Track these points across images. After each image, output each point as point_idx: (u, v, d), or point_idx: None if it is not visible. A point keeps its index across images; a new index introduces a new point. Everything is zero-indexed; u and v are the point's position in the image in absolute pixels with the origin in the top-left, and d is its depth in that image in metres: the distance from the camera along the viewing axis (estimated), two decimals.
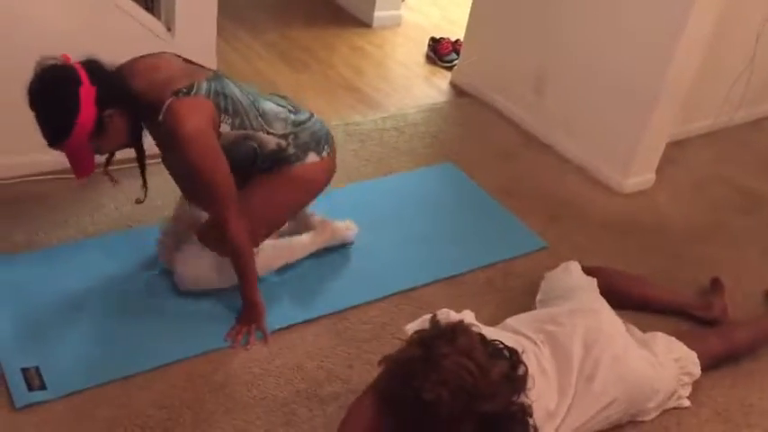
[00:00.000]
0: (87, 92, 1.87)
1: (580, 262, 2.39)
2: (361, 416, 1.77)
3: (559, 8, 3.23)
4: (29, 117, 2.57)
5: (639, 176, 3.15)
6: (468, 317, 1.81)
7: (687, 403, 2.12)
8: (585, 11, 3.13)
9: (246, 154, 2.13)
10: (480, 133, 3.45)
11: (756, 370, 2.29)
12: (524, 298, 2.38)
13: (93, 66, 1.94)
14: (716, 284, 2.54)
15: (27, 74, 2.46)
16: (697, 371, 2.11)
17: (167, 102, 1.94)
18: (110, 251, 2.38)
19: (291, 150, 2.21)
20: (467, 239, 2.71)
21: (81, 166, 1.98)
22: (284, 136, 2.19)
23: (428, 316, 1.78)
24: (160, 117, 1.94)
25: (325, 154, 2.28)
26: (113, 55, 2.60)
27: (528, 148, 3.36)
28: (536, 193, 3.06)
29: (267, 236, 2.27)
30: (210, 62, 2.83)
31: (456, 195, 2.98)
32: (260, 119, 2.12)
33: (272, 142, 2.16)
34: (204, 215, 2.22)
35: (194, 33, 2.73)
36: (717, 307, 2.45)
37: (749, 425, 2.11)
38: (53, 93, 1.90)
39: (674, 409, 2.11)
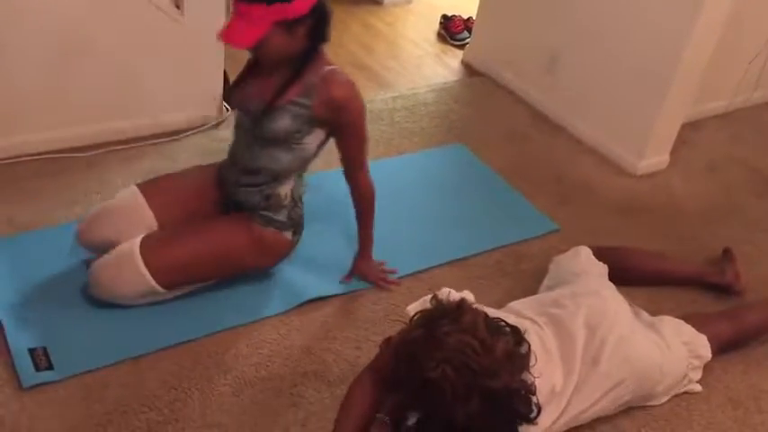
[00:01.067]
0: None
1: (592, 244, 2.38)
2: (362, 395, 1.78)
3: None
4: (41, 94, 2.59)
5: (653, 158, 3.11)
6: (468, 297, 1.80)
7: (698, 388, 2.10)
8: None
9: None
10: (492, 113, 3.41)
11: (765, 352, 2.27)
12: (534, 281, 2.36)
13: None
14: (727, 253, 2.56)
15: (37, 52, 2.47)
16: (707, 354, 2.10)
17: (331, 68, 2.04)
18: None
19: (282, 213, 2.16)
20: (477, 221, 2.69)
21: (247, 35, 1.89)
22: (293, 198, 2.18)
23: (429, 296, 1.77)
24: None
25: (296, 239, 2.23)
26: (122, 35, 2.60)
27: (540, 129, 3.32)
28: (548, 175, 3.02)
29: (184, 283, 2.12)
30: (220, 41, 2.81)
31: (466, 177, 2.95)
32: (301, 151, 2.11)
33: (287, 188, 2.15)
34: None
35: (204, 12, 2.71)
36: (730, 273, 2.47)
37: (761, 410, 2.10)
38: None
39: (685, 393, 2.09)
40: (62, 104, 2.63)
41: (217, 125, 2.93)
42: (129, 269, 2.03)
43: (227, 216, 2.20)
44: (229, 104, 2.10)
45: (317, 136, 2.09)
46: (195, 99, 2.90)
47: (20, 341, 1.94)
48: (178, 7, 2.67)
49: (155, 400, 1.89)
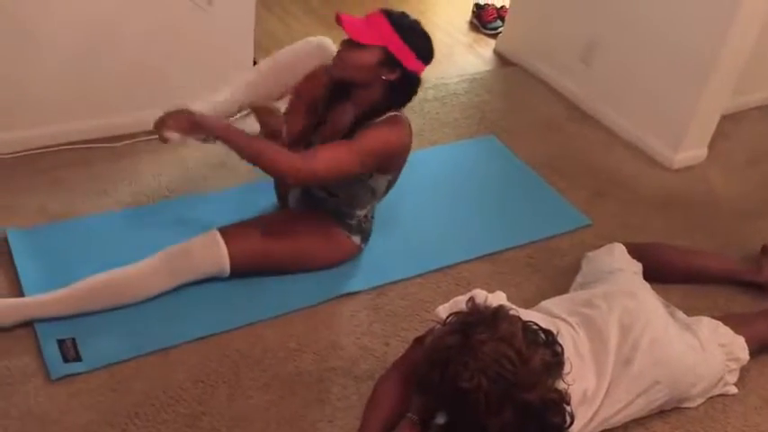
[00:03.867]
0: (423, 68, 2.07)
1: (626, 240, 2.32)
2: (389, 392, 1.76)
3: None
4: (72, 85, 2.59)
5: (691, 151, 3.03)
6: (500, 298, 1.76)
7: (734, 390, 2.05)
8: None
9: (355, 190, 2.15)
10: (525, 104, 3.35)
11: None
12: (566, 278, 2.31)
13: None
14: (765, 250, 2.50)
15: (65, 42, 2.48)
16: (745, 356, 2.04)
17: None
18: (147, 221, 2.37)
19: (362, 223, 2.24)
20: (508, 215, 2.64)
21: (362, 33, 1.98)
22: (366, 214, 2.25)
23: (460, 298, 1.74)
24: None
25: (363, 246, 2.30)
26: (151, 24, 2.59)
27: (574, 121, 3.26)
28: (581, 168, 2.96)
29: (251, 272, 2.16)
30: (249, 30, 2.79)
31: (498, 170, 2.90)
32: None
33: (364, 211, 2.22)
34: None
35: (233, 1, 2.68)
36: (767, 270, 2.41)
37: None
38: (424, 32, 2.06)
39: (720, 395, 2.04)
40: (91, 95, 2.63)
41: (248, 114, 2.91)
42: (208, 250, 2.07)
43: (308, 214, 2.25)
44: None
45: (383, 178, 2.12)
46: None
47: (48, 332, 1.95)
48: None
49: (182, 393, 1.89)
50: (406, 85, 2.05)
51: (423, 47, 2.03)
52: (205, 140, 2.09)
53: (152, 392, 1.88)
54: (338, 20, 1.96)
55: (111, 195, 2.47)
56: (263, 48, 3.13)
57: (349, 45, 2.00)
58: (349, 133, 2.05)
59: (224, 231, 2.11)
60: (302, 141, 2.22)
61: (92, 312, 2.01)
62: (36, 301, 1.97)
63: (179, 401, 1.87)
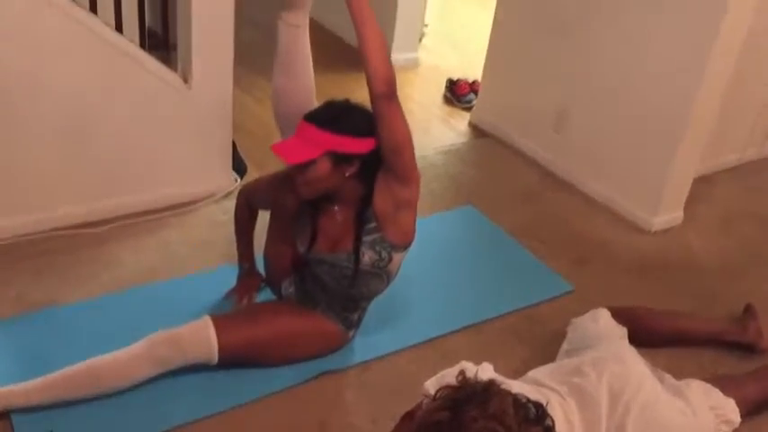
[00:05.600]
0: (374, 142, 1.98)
1: (610, 305, 2.33)
2: None
3: (577, 45, 3.20)
4: (56, 172, 2.60)
5: (668, 214, 3.08)
6: (487, 370, 1.74)
7: None
8: (605, 47, 3.09)
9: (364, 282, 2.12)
10: (501, 174, 3.40)
11: None
12: (552, 346, 2.30)
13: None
14: (749, 309, 2.51)
15: (47, 131, 2.50)
16: (736, 418, 2.02)
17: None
18: (130, 307, 2.34)
19: (360, 317, 2.24)
20: (491, 284, 2.65)
21: (296, 153, 1.94)
22: (361, 310, 2.24)
23: (448, 371, 1.71)
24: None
25: (352, 336, 2.27)
26: (132, 109, 2.63)
27: (551, 188, 3.30)
28: (560, 234, 2.99)
29: (240, 362, 2.11)
30: (227, 111, 2.84)
31: (478, 239, 2.92)
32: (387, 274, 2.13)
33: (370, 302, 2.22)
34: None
35: (211, 84, 2.74)
36: (752, 329, 2.42)
37: None
38: (371, 115, 1.96)
39: None
40: (75, 180, 2.64)
41: (226, 195, 2.94)
42: (198, 340, 2.03)
43: (300, 307, 2.22)
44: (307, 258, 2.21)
45: (399, 256, 2.10)
46: (205, 171, 2.91)
47: (26, 425, 1.89)
48: (186, 81, 2.70)
49: None
50: (374, 162, 2.01)
51: (360, 126, 1.96)
52: None
53: None
54: (273, 151, 1.96)
55: (93, 281, 2.44)
56: (242, 129, 3.18)
57: (297, 168, 1.97)
58: (359, 225, 2.04)
59: (215, 320, 2.07)
60: (291, 269, 2.22)
61: (73, 402, 1.95)
62: (13, 391, 1.91)
63: None
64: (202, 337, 2.03)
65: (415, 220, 2.10)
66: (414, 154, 2.00)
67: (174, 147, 2.79)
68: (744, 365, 2.33)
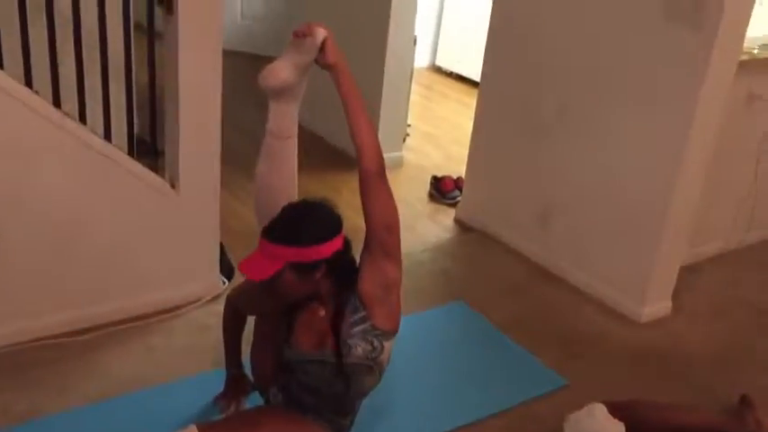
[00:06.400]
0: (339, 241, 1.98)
1: (604, 398, 2.29)
2: None
3: (557, 144, 3.29)
4: (41, 281, 2.58)
5: (656, 304, 3.08)
6: None
7: None
8: (584, 145, 3.18)
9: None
10: (489, 268, 3.41)
11: None
12: None
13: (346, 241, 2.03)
14: (744, 400, 2.48)
15: (34, 239, 2.51)
16: None
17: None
18: (115, 416, 2.28)
19: (345, 420, 2.18)
20: (483, 382, 2.61)
21: (260, 269, 1.92)
22: (352, 413, 2.19)
23: None
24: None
25: None
26: (118, 216, 2.65)
27: (539, 282, 3.31)
28: (551, 328, 2.98)
29: None
30: (215, 215, 2.87)
31: (469, 335, 2.90)
32: (379, 366, 2.08)
33: (354, 406, 2.17)
34: None
35: (199, 189, 2.78)
36: (751, 421, 2.39)
37: None
38: (329, 215, 2.00)
39: None
40: (59, 288, 2.62)
41: (214, 299, 2.92)
42: None
43: (287, 411, 2.15)
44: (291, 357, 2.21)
45: (389, 344, 2.06)
46: (192, 274, 2.91)
47: None
48: (173, 186, 2.74)
49: None
50: (341, 263, 1.99)
51: (318, 232, 1.94)
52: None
53: None
54: (239, 269, 1.98)
55: (78, 391, 2.39)
56: (230, 230, 3.20)
57: (266, 281, 1.96)
58: (337, 315, 2.02)
59: (201, 428, 1.99)
60: (275, 375, 2.20)
61: None
62: None
63: None
64: None
65: (400, 302, 2.09)
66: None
67: (161, 251, 2.80)
68: None
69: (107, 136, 2.71)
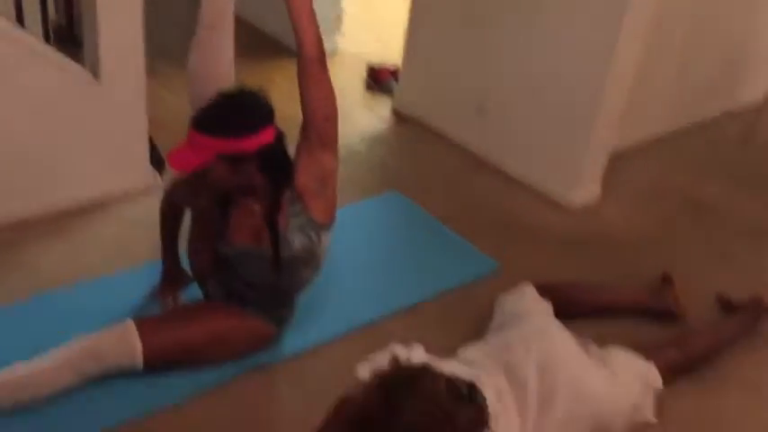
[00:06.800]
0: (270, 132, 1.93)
1: (535, 281, 2.37)
2: None
3: (494, 35, 3.24)
4: None
5: (586, 191, 3.16)
6: (419, 352, 1.75)
7: (653, 419, 2.09)
8: (520, 30, 3.14)
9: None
10: (425, 159, 3.42)
11: (715, 377, 2.29)
12: (481, 324, 2.33)
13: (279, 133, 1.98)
14: (665, 279, 2.60)
15: None
16: (658, 383, 2.10)
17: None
18: (45, 313, 2.25)
19: (292, 314, 2.19)
20: (420, 268, 2.66)
21: (186, 161, 1.87)
22: (292, 305, 2.19)
23: (379, 356, 1.71)
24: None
25: (282, 331, 2.22)
26: (36, 106, 2.52)
27: (474, 171, 3.34)
28: (485, 216, 3.03)
29: (164, 366, 2.04)
30: (141, 105, 2.75)
31: (404, 223, 2.93)
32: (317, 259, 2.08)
33: (293, 298, 2.17)
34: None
35: (122, 78, 2.65)
36: (669, 298, 2.51)
37: None
38: (259, 105, 1.95)
39: (641, 425, 2.07)
40: None
41: (145, 192, 2.85)
42: (119, 345, 1.95)
43: (226, 305, 2.15)
44: (225, 251, 2.12)
45: (327, 236, 2.05)
46: (121, 167, 2.82)
47: None
48: (95, 76, 2.60)
49: None
50: (274, 156, 1.96)
51: (249, 123, 1.90)
52: None
53: None
54: (167, 160, 1.92)
55: (6, 287, 2.33)
56: (160, 122, 3.09)
57: (198, 173, 1.92)
58: (273, 209, 1.99)
59: (139, 324, 2.00)
60: (213, 268, 2.16)
61: None
62: None
63: None
64: (125, 343, 1.96)
65: (336, 194, 2.08)
66: None
67: (87, 144, 2.69)
68: (664, 332, 2.42)
69: (19, 20, 2.53)
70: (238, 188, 1.99)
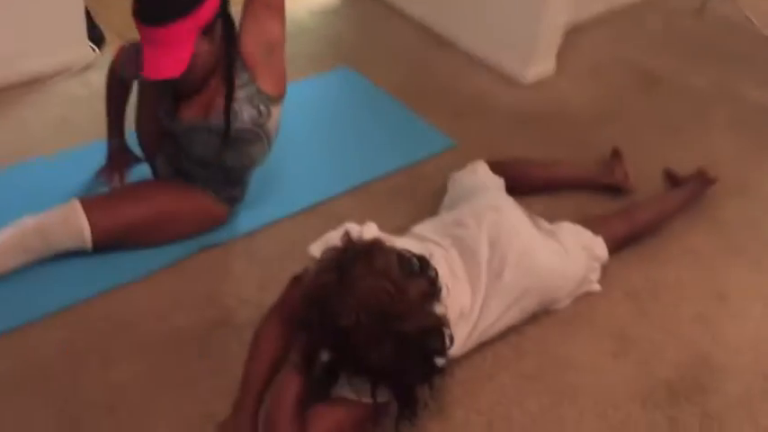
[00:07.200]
0: None
1: (488, 157, 2.37)
2: (270, 337, 1.74)
3: None
4: None
5: (540, 65, 3.12)
6: (371, 229, 1.76)
7: (598, 287, 2.17)
8: None
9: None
10: (378, 34, 3.31)
11: (658, 247, 2.35)
12: (435, 201, 2.34)
13: None
14: (615, 153, 2.61)
15: None
16: (604, 254, 2.16)
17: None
18: None
19: (243, 192, 2.12)
20: (373, 145, 2.63)
21: (176, 60, 1.72)
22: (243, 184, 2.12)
23: (332, 234, 1.71)
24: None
25: (234, 210, 2.17)
26: None
27: (428, 46, 3.26)
28: (439, 92, 2.98)
29: (114, 244, 2.01)
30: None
31: (357, 100, 2.87)
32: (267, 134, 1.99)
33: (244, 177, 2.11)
34: None
35: None
36: (619, 172, 2.53)
37: (656, 299, 2.19)
38: None
39: (586, 294, 2.15)
40: None
41: (84, 69, 2.72)
42: (66, 224, 1.91)
43: (176, 183, 2.12)
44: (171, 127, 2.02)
45: (277, 110, 1.97)
46: (58, 43, 2.67)
47: None
48: None
49: (50, 370, 1.78)
50: (226, 17, 1.87)
51: None
52: None
53: (15, 372, 1.76)
54: (149, 78, 1.77)
55: None
56: None
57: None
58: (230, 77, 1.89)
59: (85, 203, 1.96)
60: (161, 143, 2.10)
61: None
62: None
63: (48, 379, 1.76)
64: (71, 223, 1.93)
65: (285, 65, 2.00)
66: None
67: (19, 18, 2.52)
68: (613, 205, 2.46)
69: None
70: (222, 61, 1.88)
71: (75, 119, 2.50)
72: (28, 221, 1.92)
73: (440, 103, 2.90)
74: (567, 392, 1.89)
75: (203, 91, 1.94)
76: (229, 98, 1.90)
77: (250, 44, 1.90)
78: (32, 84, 2.61)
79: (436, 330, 1.58)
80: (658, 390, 1.92)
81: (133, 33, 1.81)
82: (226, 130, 1.93)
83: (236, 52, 1.90)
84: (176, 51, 1.73)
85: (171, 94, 1.98)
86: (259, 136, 2.00)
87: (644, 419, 1.85)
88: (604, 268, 2.19)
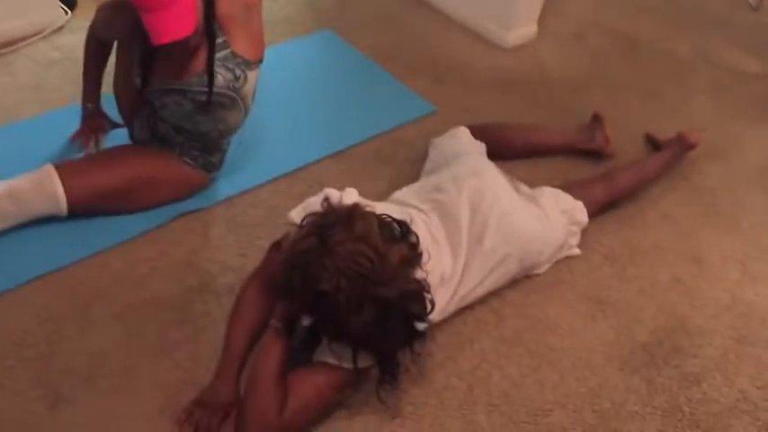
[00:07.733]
0: None
1: (469, 123, 2.36)
2: (251, 302, 1.73)
3: None
4: None
5: (521, 29, 3.09)
6: (352, 195, 1.75)
7: (577, 251, 2.18)
8: None
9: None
10: None
11: (637, 211, 2.37)
12: (415, 167, 2.33)
13: None
14: (596, 118, 2.61)
15: None
16: (585, 219, 2.16)
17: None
18: None
19: (221, 160, 2.09)
20: (353, 110, 2.60)
21: (186, 18, 1.71)
22: (220, 151, 2.10)
23: (312, 199, 1.70)
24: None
25: (213, 177, 2.14)
26: None
27: (409, 10, 3.21)
28: (421, 56, 2.95)
29: (90, 210, 2.00)
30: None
31: (338, 64, 2.84)
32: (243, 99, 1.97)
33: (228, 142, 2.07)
34: None
35: None
36: (599, 137, 2.53)
37: (635, 264, 2.20)
38: None
39: (566, 258, 2.16)
40: None
41: (56, 31, 2.65)
42: (41, 189, 1.88)
43: (153, 148, 2.08)
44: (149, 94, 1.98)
45: (254, 74, 1.93)
46: (29, 4, 2.60)
47: None
48: None
49: (27, 337, 1.77)
50: None
51: None
52: None
53: None
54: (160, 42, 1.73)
55: None
56: None
57: None
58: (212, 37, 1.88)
59: (60, 168, 1.92)
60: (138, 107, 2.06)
61: None
62: None
63: (25, 346, 1.75)
64: (46, 188, 1.89)
65: (262, 27, 1.97)
66: None
67: None
68: (593, 170, 2.47)
69: None
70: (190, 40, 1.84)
71: (47, 83, 2.44)
72: (0, 187, 1.88)
73: (420, 68, 2.87)
74: (547, 356, 1.91)
75: (179, 53, 1.90)
76: (211, 59, 1.86)
77: (226, 5, 1.85)
78: (2, 47, 2.54)
79: (417, 295, 1.58)
80: (636, 353, 1.94)
81: None
82: (209, 92, 1.90)
83: (213, 13, 1.86)
84: (181, 8, 1.72)
85: (146, 57, 1.93)
86: (234, 101, 1.97)
87: (622, 382, 1.87)
88: (584, 232, 2.19)
